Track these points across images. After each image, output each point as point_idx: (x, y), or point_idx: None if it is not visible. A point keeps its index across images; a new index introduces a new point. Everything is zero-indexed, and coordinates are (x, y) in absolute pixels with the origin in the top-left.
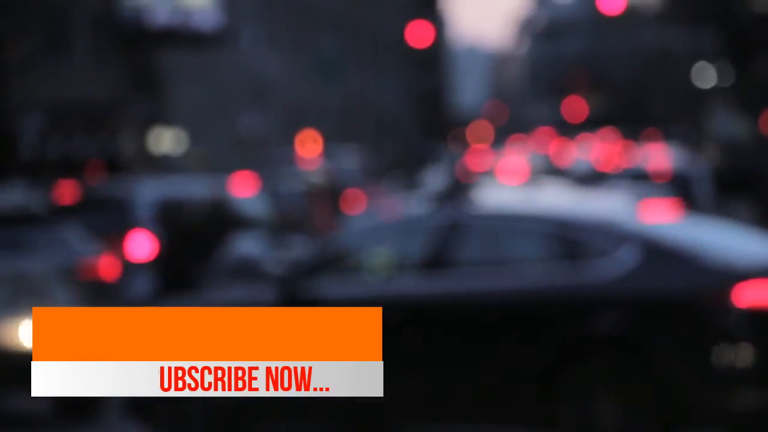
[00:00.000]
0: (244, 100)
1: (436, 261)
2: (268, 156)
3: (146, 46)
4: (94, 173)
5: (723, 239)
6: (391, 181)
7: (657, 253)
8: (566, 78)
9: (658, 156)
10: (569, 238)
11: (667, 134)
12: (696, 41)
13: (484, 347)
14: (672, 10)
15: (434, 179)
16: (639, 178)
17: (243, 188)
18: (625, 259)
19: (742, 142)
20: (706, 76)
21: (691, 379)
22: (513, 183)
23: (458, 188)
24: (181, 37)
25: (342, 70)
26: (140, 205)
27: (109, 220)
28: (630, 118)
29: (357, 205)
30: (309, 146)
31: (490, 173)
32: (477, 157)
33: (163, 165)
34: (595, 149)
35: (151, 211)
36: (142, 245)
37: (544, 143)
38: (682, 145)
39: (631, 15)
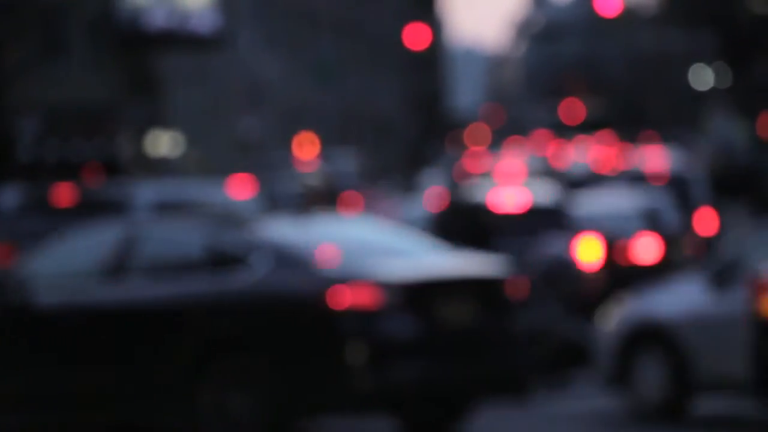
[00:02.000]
0: (241, 103)
1: (112, 269)
2: (266, 158)
3: (143, 48)
4: (92, 176)
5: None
6: (388, 184)
7: (283, 261)
8: (563, 80)
9: (656, 158)
10: (215, 248)
11: (665, 136)
12: (693, 43)
13: (138, 349)
14: (669, 12)
15: (431, 181)
16: (636, 180)
17: (240, 191)
18: (256, 267)
19: (739, 144)
20: (703, 78)
21: (305, 374)
22: (511, 185)
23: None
24: (178, 40)
25: (339, 73)
26: (138, 208)
27: None
28: (627, 120)
29: (354, 208)
30: (306, 149)
31: (487, 175)
32: (474, 159)
33: (161, 168)
34: (592, 151)
35: (148, 213)
36: None
37: (542, 145)
38: (679, 147)
39: (628, 17)
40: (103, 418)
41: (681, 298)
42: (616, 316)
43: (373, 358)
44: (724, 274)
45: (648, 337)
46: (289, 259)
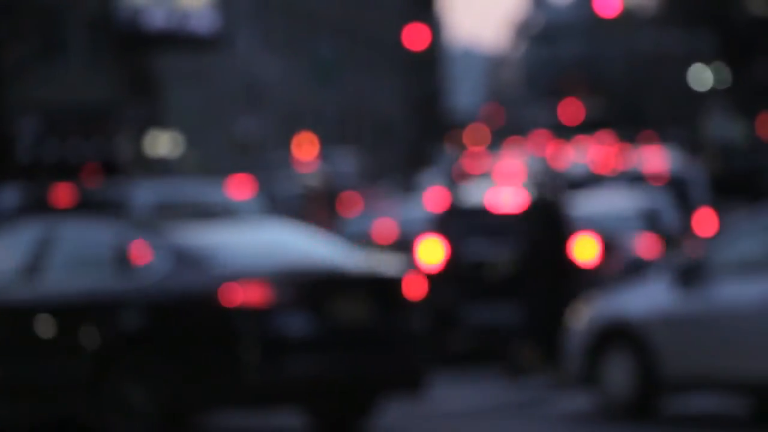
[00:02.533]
0: (240, 103)
1: (29, 267)
2: (265, 159)
3: (142, 48)
4: (91, 176)
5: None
6: (387, 184)
7: (184, 261)
8: (563, 80)
9: (655, 158)
10: (122, 247)
11: (664, 137)
12: (692, 44)
13: (48, 344)
14: (668, 13)
15: (430, 181)
16: (635, 181)
17: (240, 191)
18: (158, 267)
19: (738, 144)
20: (702, 78)
21: (200, 369)
22: (510, 185)
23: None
24: (177, 40)
25: (338, 73)
26: (136, 208)
27: None
28: (626, 120)
29: (353, 208)
30: (305, 149)
31: (486, 176)
32: (473, 159)
33: (160, 168)
34: (591, 152)
35: (147, 214)
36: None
37: (541, 146)
38: (678, 147)
39: (627, 17)
40: (15, 411)
41: (648, 298)
42: (586, 316)
43: (264, 354)
44: (689, 274)
45: (616, 335)
46: (189, 260)
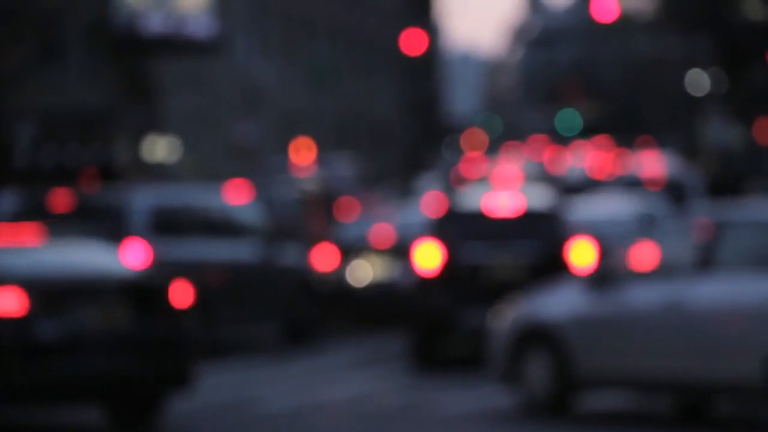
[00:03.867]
0: (238, 108)
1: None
2: (263, 163)
3: (140, 53)
4: (88, 181)
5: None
6: (385, 189)
7: None
8: (560, 85)
9: (652, 163)
10: None
11: (661, 142)
12: (689, 49)
13: None
14: (665, 18)
15: (428, 186)
16: (633, 186)
17: (237, 196)
18: None
19: (735, 149)
20: (699, 83)
21: None
22: (507, 190)
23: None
24: (175, 45)
25: (336, 78)
26: (134, 213)
27: (104, 228)
28: (624, 125)
29: (351, 213)
30: (303, 154)
31: (484, 180)
32: (471, 164)
33: (158, 173)
34: (588, 157)
35: (145, 219)
36: (136, 253)
37: (538, 151)
38: (675, 152)
39: (624, 22)
40: None
41: (564, 300)
42: (508, 317)
43: (17, 357)
44: (601, 278)
45: (536, 336)
46: None
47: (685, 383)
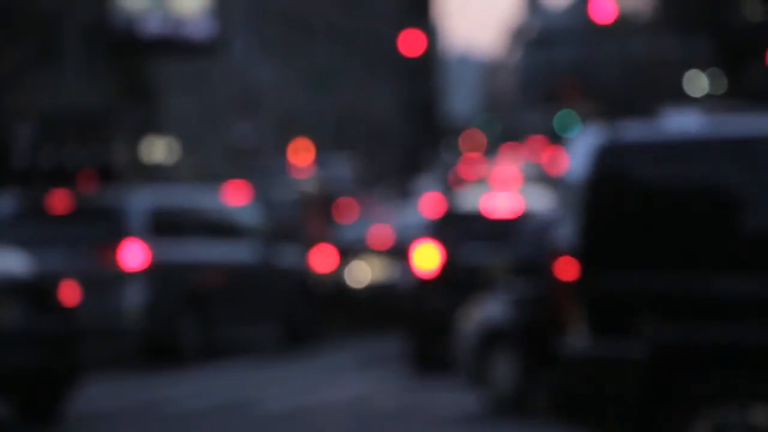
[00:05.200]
0: (236, 109)
1: None
2: (261, 165)
3: (138, 55)
4: (87, 182)
5: None
6: (383, 190)
7: None
8: (559, 86)
9: None
10: None
11: None
12: (688, 50)
13: None
14: (664, 19)
15: (427, 187)
16: None
17: (235, 197)
18: None
19: None
20: (698, 84)
21: None
22: (506, 191)
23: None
24: (173, 46)
25: (334, 79)
26: (133, 214)
27: (102, 229)
28: None
29: (350, 214)
30: (301, 155)
31: (482, 181)
32: (470, 165)
33: (156, 174)
34: None
35: (143, 220)
36: (134, 254)
37: (537, 151)
38: None
39: (622, 23)
40: None
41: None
42: (475, 318)
43: None
44: None
45: (500, 337)
46: None
47: None
